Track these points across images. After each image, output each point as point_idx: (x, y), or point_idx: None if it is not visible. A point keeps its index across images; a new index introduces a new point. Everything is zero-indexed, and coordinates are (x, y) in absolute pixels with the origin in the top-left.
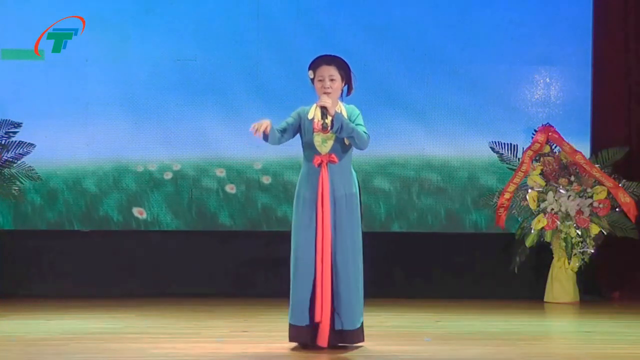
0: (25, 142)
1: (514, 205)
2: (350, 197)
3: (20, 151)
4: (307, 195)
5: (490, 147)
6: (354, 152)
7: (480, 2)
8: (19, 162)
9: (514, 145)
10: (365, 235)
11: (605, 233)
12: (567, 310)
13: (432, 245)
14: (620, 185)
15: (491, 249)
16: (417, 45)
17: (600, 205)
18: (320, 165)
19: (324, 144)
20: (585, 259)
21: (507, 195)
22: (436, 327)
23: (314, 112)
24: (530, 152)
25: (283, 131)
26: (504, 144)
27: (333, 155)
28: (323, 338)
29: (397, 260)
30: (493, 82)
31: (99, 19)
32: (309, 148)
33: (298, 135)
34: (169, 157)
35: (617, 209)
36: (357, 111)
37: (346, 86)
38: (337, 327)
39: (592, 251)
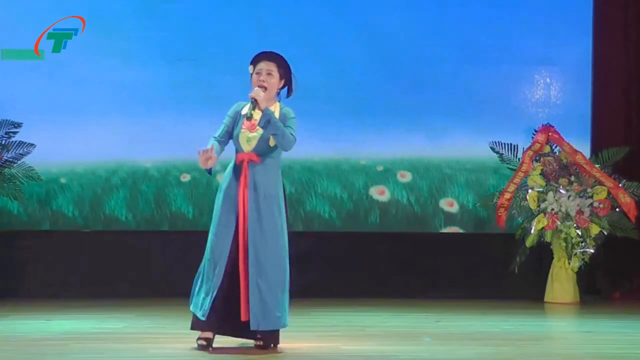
0: (26, 142)
1: (514, 206)
2: (271, 197)
3: (21, 151)
4: (228, 190)
5: (491, 147)
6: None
7: (481, 2)
8: (19, 162)
9: (514, 146)
10: (364, 235)
11: (605, 233)
12: (567, 310)
13: (432, 245)
14: (620, 185)
15: (491, 249)
16: (417, 45)
17: (601, 206)
18: (241, 163)
19: (248, 142)
20: (586, 259)
21: (507, 196)
22: (436, 327)
23: (247, 109)
24: (530, 152)
25: (225, 135)
26: (504, 144)
27: (254, 155)
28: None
29: (397, 260)
30: (493, 82)
31: (99, 19)
32: (235, 144)
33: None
34: (169, 156)
35: (617, 209)
36: (292, 115)
37: (286, 88)
38: (253, 327)
39: (592, 251)
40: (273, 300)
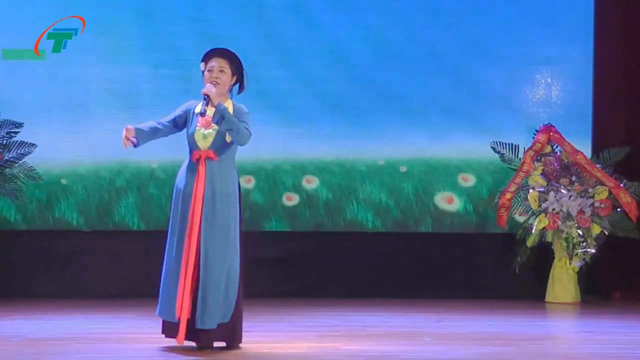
0: (27, 142)
1: (515, 206)
2: (227, 196)
3: (22, 151)
4: (184, 189)
5: (492, 147)
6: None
7: (481, 2)
8: (20, 162)
9: (515, 146)
10: (365, 235)
11: (606, 233)
12: (568, 310)
13: (433, 245)
14: (621, 185)
15: (492, 249)
16: (417, 45)
17: (602, 205)
18: (198, 160)
19: (204, 139)
20: (587, 259)
21: (508, 196)
22: (437, 327)
23: (200, 107)
24: (531, 152)
25: (170, 122)
26: (505, 144)
27: (211, 152)
28: (181, 335)
29: (398, 260)
30: (494, 82)
31: (99, 19)
32: (191, 142)
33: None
34: (169, 157)
35: (618, 209)
36: (246, 110)
37: (238, 85)
38: (198, 325)
39: (593, 251)
40: (215, 299)
